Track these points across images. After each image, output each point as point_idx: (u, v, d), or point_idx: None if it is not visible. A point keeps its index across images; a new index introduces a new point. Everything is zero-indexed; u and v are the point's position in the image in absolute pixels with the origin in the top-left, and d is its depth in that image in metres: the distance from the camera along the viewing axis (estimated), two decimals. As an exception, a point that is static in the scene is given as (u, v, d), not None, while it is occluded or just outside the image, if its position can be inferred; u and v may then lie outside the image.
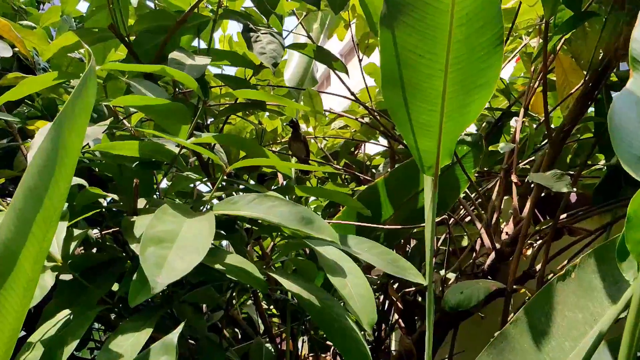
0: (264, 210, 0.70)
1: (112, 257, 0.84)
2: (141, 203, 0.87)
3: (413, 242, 1.49)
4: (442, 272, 1.48)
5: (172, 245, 0.58)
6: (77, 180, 0.73)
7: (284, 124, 1.54)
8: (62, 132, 0.54)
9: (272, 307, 1.42)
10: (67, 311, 0.76)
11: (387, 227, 1.10)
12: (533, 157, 1.34)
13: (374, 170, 1.91)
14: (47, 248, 0.47)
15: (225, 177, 0.81)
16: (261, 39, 0.91)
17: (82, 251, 0.98)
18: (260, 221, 0.73)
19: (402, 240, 1.42)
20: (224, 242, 1.38)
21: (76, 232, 0.82)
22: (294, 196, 1.16)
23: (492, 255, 1.17)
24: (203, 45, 1.16)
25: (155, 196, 1.04)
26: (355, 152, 1.96)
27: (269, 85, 1.49)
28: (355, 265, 0.75)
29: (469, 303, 0.99)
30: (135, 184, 0.83)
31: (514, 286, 1.11)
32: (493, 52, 0.68)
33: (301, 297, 0.73)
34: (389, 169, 1.60)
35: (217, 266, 0.69)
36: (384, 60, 0.71)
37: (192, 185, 1.22)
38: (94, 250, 0.98)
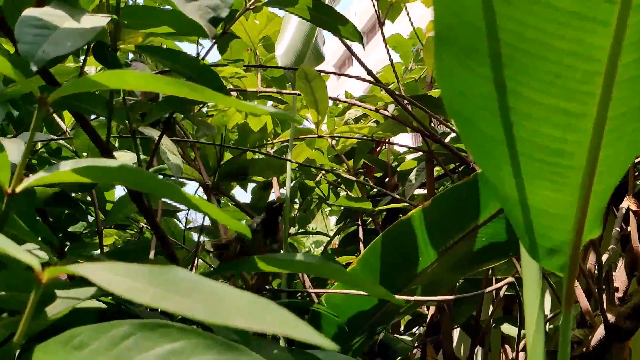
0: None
1: None
2: None
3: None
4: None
5: None
6: None
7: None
8: None
9: None
10: None
11: (427, 298, 0.67)
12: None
13: (398, 170, 1.47)
14: None
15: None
16: (190, -25, 0.48)
17: None
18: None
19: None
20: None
21: None
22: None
23: (601, 330, 0.73)
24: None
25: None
26: (378, 149, 1.51)
27: (249, 66, 1.05)
28: None
29: None
30: None
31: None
32: None
33: None
34: (424, 179, 1.16)
35: None
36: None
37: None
38: None
